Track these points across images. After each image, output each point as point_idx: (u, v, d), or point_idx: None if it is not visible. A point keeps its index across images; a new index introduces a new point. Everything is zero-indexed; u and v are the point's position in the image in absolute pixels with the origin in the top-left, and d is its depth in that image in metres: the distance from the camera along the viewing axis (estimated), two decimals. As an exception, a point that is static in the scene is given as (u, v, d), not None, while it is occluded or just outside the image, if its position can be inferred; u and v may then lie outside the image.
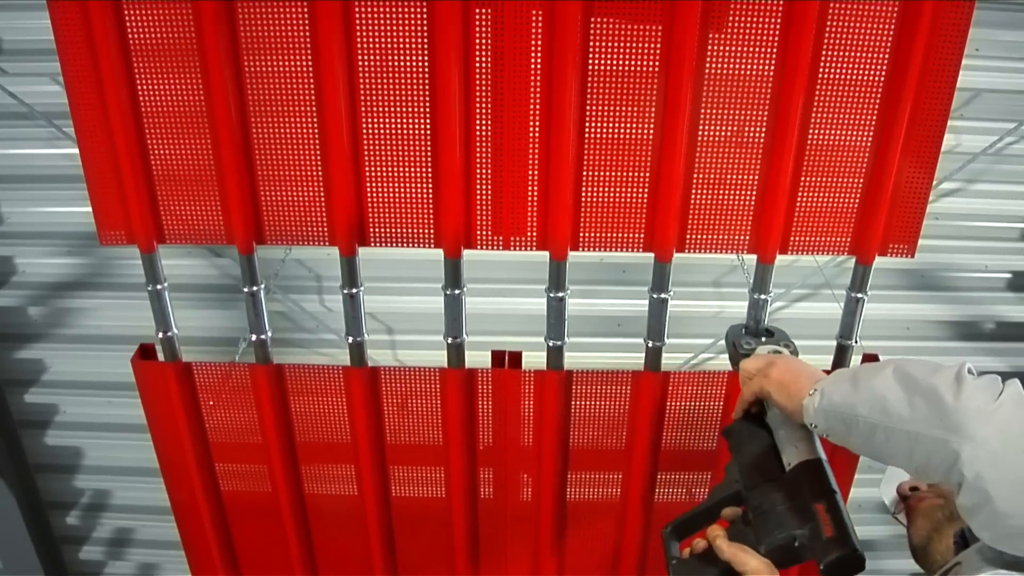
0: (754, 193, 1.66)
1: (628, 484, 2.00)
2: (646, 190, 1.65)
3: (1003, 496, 1.00)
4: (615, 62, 1.55)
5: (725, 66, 1.55)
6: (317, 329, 2.82)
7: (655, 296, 1.76)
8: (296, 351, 2.86)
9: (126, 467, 3.15)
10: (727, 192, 1.67)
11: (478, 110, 1.59)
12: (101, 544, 3.46)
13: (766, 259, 1.72)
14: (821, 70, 1.55)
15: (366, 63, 1.57)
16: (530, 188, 1.65)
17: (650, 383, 1.85)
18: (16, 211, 2.80)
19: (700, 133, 1.60)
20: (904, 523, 1.63)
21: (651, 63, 1.55)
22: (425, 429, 1.95)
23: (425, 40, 1.54)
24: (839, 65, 1.55)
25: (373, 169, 1.66)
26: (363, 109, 1.61)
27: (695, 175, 1.64)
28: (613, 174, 1.65)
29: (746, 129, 1.61)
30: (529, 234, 1.70)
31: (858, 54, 1.54)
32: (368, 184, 1.67)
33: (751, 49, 1.54)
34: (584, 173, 1.64)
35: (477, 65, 1.55)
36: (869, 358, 1.83)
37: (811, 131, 1.60)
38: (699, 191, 1.66)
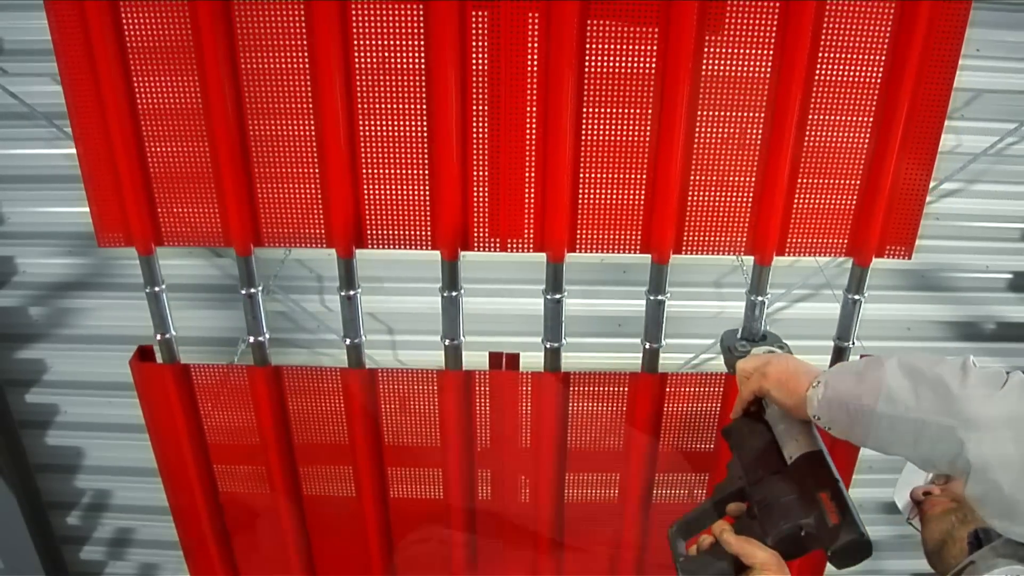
0: (751, 195, 1.66)
1: (626, 485, 2.00)
2: (643, 192, 1.65)
3: (1009, 481, 1.00)
4: (612, 63, 1.55)
5: (722, 67, 1.55)
6: (318, 329, 2.81)
7: (652, 298, 1.76)
8: (297, 351, 2.86)
9: (127, 467, 3.14)
10: (724, 193, 1.67)
11: (475, 111, 1.59)
12: (102, 544, 3.45)
13: (763, 261, 1.72)
14: (818, 71, 1.55)
15: (363, 64, 1.57)
16: (527, 190, 1.65)
17: (647, 384, 1.85)
18: (17, 211, 2.79)
19: (696, 134, 1.60)
20: (918, 528, 1.63)
21: (648, 64, 1.55)
22: (423, 430, 1.95)
23: (422, 41, 1.54)
24: (836, 66, 1.54)
25: (370, 171, 1.66)
26: (360, 110, 1.61)
27: (692, 176, 1.64)
28: (610, 175, 1.65)
29: (743, 130, 1.61)
30: (526, 236, 1.70)
31: (855, 55, 1.54)
32: (365, 186, 1.67)
33: (748, 50, 1.54)
34: (581, 175, 1.64)
35: (474, 66, 1.55)
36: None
37: (808, 132, 1.60)
38: (696, 192, 1.66)
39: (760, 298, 1.74)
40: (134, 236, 1.73)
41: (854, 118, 1.59)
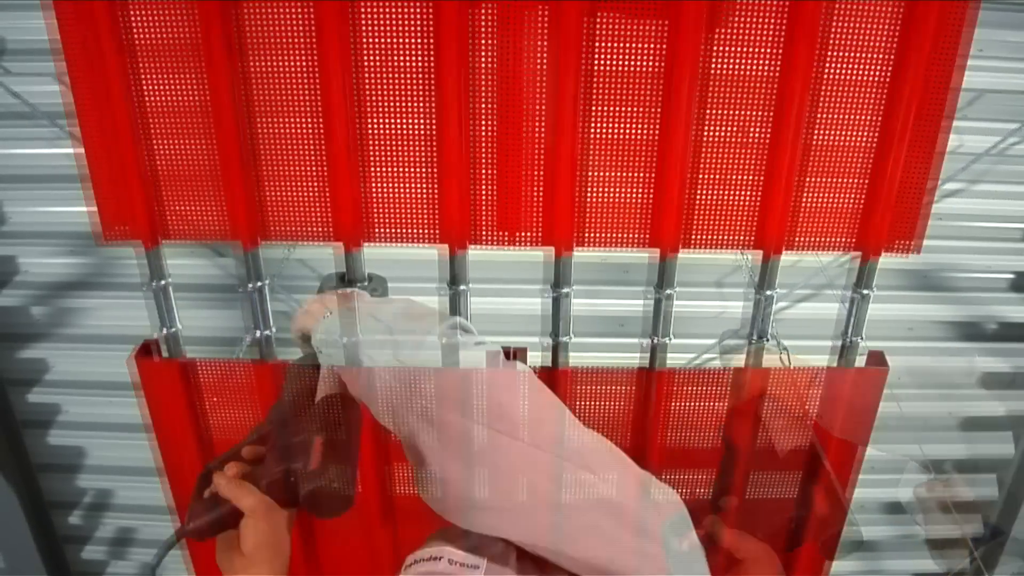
0: (759, 191, 1.66)
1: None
2: (651, 188, 1.66)
3: None
4: (620, 59, 1.55)
5: (730, 64, 1.55)
6: (319, 329, 2.81)
7: (658, 293, 1.75)
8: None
9: (129, 467, 3.14)
10: (731, 190, 1.67)
11: (483, 106, 1.59)
12: (103, 544, 3.45)
13: (775, 251, 1.72)
14: (827, 64, 1.55)
15: (370, 61, 1.57)
16: (535, 184, 1.65)
17: (651, 380, 1.85)
18: (19, 211, 2.80)
19: (706, 130, 1.61)
20: (924, 527, 1.63)
21: (657, 60, 1.55)
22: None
23: (430, 37, 1.55)
24: (844, 61, 1.55)
25: (377, 165, 1.66)
26: (368, 105, 1.61)
27: (700, 174, 1.65)
28: (616, 172, 1.65)
29: (750, 127, 1.61)
30: (534, 230, 1.70)
31: (863, 51, 1.54)
32: (373, 180, 1.67)
33: (755, 48, 1.54)
34: (589, 171, 1.64)
35: (483, 62, 1.55)
36: (874, 357, 1.83)
37: (818, 120, 1.60)
38: (703, 189, 1.66)
39: (769, 292, 1.74)
40: (140, 231, 1.73)
41: (861, 112, 1.59)
